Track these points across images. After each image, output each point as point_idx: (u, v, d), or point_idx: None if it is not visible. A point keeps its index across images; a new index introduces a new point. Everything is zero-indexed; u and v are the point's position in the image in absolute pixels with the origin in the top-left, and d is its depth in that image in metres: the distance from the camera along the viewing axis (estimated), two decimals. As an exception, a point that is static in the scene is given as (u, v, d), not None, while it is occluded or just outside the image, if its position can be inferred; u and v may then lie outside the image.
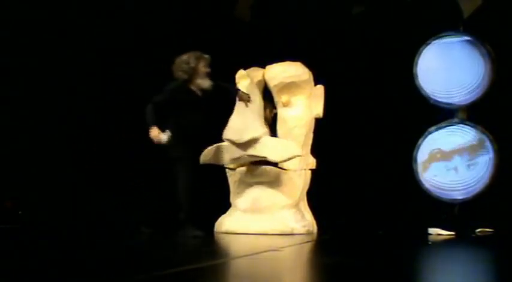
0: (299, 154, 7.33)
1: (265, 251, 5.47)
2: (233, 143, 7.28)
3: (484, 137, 8.58)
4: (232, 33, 9.21)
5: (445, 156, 8.73)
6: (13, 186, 8.71)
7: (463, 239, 7.70)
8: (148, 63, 9.13)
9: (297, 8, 9.26)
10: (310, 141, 7.68)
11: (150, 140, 8.32)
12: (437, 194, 8.76)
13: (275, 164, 7.41)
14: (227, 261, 4.92)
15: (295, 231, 7.24)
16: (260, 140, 7.25)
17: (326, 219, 7.89)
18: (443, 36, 8.87)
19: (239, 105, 7.33)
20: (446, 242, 7.27)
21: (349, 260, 4.98)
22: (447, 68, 8.83)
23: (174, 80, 6.84)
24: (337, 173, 8.83)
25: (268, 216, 7.27)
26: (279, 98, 7.65)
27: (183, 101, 6.72)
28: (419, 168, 8.80)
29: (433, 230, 8.09)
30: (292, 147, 7.34)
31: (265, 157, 7.27)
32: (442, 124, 8.84)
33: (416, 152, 8.82)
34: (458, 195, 8.72)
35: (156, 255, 5.03)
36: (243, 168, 7.46)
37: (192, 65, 6.75)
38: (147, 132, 6.78)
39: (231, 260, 5.01)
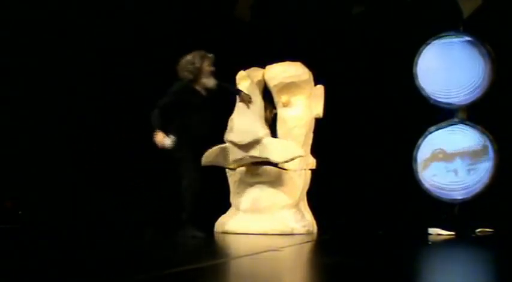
0: (301, 155, 7.33)
1: (265, 251, 5.47)
2: (235, 144, 7.28)
3: (487, 143, 8.58)
4: (232, 33, 9.21)
5: (446, 157, 8.73)
6: (13, 186, 8.71)
7: (463, 239, 7.70)
8: (148, 63, 9.13)
9: (297, 8, 9.26)
10: (310, 141, 7.68)
11: (150, 141, 8.33)
12: (437, 194, 8.76)
13: (275, 164, 7.41)
14: (227, 261, 4.92)
15: (295, 231, 7.24)
16: (262, 141, 7.25)
17: (326, 219, 7.89)
18: (443, 36, 8.87)
19: (240, 106, 7.33)
20: (446, 242, 7.27)
21: (349, 260, 4.98)
22: (447, 68, 8.83)
23: (179, 80, 6.81)
24: (337, 173, 8.83)
25: (268, 216, 7.27)
26: (279, 98, 7.65)
27: (188, 101, 6.71)
28: (420, 166, 8.80)
29: (433, 230, 8.09)
30: (294, 148, 7.34)
31: (267, 158, 7.27)
32: (442, 124, 8.84)
33: (416, 152, 8.82)
34: (458, 195, 8.72)
35: (156, 255, 5.03)
36: (243, 168, 7.46)
37: (198, 64, 6.75)
38: (150, 135, 6.77)
39: (231, 260, 5.01)
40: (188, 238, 6.38)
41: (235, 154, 7.32)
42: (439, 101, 8.82)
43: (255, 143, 7.25)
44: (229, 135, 7.31)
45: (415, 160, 8.82)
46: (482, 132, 8.64)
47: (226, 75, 7.40)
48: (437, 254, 6.13)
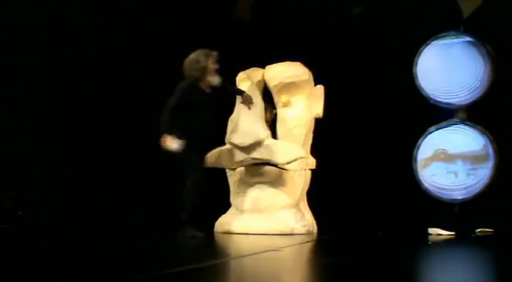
0: (303, 156, 7.34)
1: (265, 251, 5.47)
2: (236, 146, 7.28)
3: (489, 149, 8.58)
4: (232, 33, 9.21)
5: (448, 158, 8.73)
6: (13, 186, 8.71)
7: (463, 239, 7.70)
8: (148, 63, 9.13)
9: (297, 8, 9.26)
10: (310, 141, 7.68)
11: (150, 141, 8.33)
12: (437, 194, 8.77)
13: (275, 164, 7.41)
14: (227, 261, 4.92)
15: (295, 231, 7.24)
16: (263, 143, 7.26)
17: (326, 219, 7.89)
18: (443, 37, 8.87)
19: (240, 107, 7.32)
20: (446, 242, 7.27)
21: (349, 260, 4.98)
22: (447, 68, 8.83)
23: (184, 80, 6.78)
24: (337, 173, 8.83)
25: (268, 216, 7.27)
26: (279, 98, 7.65)
27: (193, 100, 6.69)
28: (420, 164, 8.79)
29: (433, 230, 8.09)
30: (295, 149, 7.34)
31: (269, 160, 7.28)
32: (442, 124, 8.84)
33: (417, 152, 8.82)
34: (458, 195, 8.72)
35: (156, 255, 5.03)
36: (243, 168, 7.46)
37: (203, 63, 6.75)
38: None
39: (231, 260, 5.01)
40: (188, 238, 6.38)
41: (236, 156, 7.32)
42: (439, 101, 8.82)
43: (257, 144, 7.26)
44: (230, 137, 7.31)
45: (415, 160, 8.82)
46: (482, 132, 8.64)
47: (226, 75, 7.40)
48: (437, 254, 6.13)
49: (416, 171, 8.82)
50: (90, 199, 8.82)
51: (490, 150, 8.57)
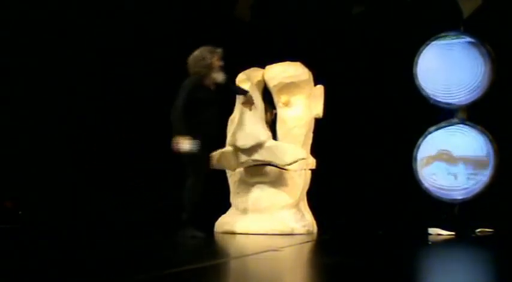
0: (304, 157, 7.35)
1: (265, 251, 5.47)
2: (237, 148, 7.28)
3: (490, 154, 8.58)
4: (232, 33, 9.21)
5: (451, 159, 8.73)
6: (13, 186, 8.71)
7: (463, 239, 7.70)
8: (148, 63, 9.13)
9: (297, 8, 9.26)
10: (310, 141, 7.68)
11: (150, 141, 8.36)
12: (437, 194, 8.77)
13: (275, 164, 7.41)
14: (227, 261, 4.92)
15: (295, 231, 7.24)
16: (264, 145, 7.27)
17: (326, 219, 7.89)
18: (443, 37, 8.87)
19: (241, 108, 7.33)
20: (446, 242, 7.27)
21: (349, 260, 4.98)
22: (447, 68, 8.83)
23: (189, 77, 6.76)
24: (337, 173, 8.83)
25: (268, 216, 7.27)
26: (279, 98, 7.65)
27: (200, 98, 6.68)
28: (421, 161, 8.79)
29: (433, 230, 8.08)
30: (296, 150, 7.34)
31: (270, 162, 7.29)
32: (442, 124, 8.84)
33: (417, 152, 8.82)
34: (458, 195, 8.73)
35: (156, 255, 5.03)
36: (243, 169, 7.46)
37: (208, 60, 6.74)
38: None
39: (231, 260, 5.01)
40: (188, 238, 6.37)
41: (237, 158, 7.32)
42: (439, 101, 8.82)
43: (258, 146, 7.26)
44: (231, 140, 7.30)
45: (415, 160, 8.82)
46: (482, 132, 8.64)
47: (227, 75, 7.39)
48: (437, 254, 6.14)
49: (416, 171, 8.82)
50: (90, 199, 8.82)
51: (491, 159, 8.57)
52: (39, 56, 8.87)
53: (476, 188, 8.64)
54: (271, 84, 7.66)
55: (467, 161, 8.68)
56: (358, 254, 5.67)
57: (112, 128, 9.09)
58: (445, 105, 8.83)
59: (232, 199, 7.55)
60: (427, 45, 8.87)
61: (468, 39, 8.78)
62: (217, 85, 6.80)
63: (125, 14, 9.23)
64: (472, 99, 8.72)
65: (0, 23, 8.72)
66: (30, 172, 8.73)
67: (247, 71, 7.65)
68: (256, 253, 5.40)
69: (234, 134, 7.31)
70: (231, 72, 7.58)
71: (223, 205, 7.62)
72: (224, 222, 7.43)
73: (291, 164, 7.30)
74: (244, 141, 7.25)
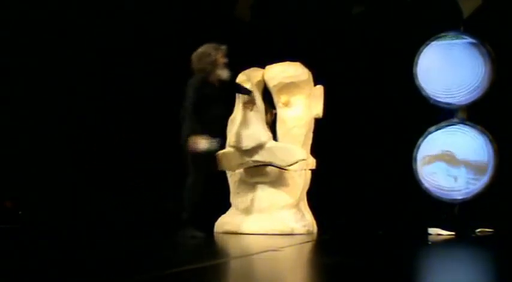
0: (304, 158, 7.35)
1: (265, 251, 5.47)
2: (238, 149, 7.28)
3: (491, 159, 8.58)
4: (232, 33, 9.21)
5: (453, 161, 8.72)
6: (13, 186, 8.71)
7: (463, 239, 7.70)
8: (148, 63, 9.13)
9: (297, 8, 9.26)
10: (309, 142, 7.68)
11: (150, 141, 8.35)
12: (437, 194, 8.77)
13: (274, 165, 7.41)
14: (227, 261, 4.92)
15: (295, 231, 7.24)
16: (265, 146, 7.27)
17: (326, 219, 7.89)
18: (443, 37, 8.86)
19: (242, 108, 7.33)
20: (446, 242, 7.27)
21: (349, 260, 4.98)
22: (447, 68, 8.82)
23: (195, 75, 6.73)
24: (337, 173, 8.82)
25: (268, 216, 7.27)
26: (279, 98, 7.65)
27: (206, 95, 6.66)
28: (423, 160, 8.78)
29: (433, 230, 8.08)
30: (297, 151, 7.34)
31: (271, 162, 7.29)
32: (442, 124, 8.84)
33: (417, 152, 8.82)
34: (458, 195, 8.72)
35: (156, 255, 5.03)
36: (243, 169, 7.45)
37: (213, 56, 6.73)
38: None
39: (231, 260, 5.01)
40: (188, 238, 6.37)
41: (238, 159, 7.31)
42: (439, 101, 8.82)
43: (258, 147, 7.26)
44: (231, 141, 7.30)
45: (415, 160, 8.82)
46: (482, 132, 8.64)
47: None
48: (437, 254, 6.14)
49: (416, 171, 8.82)
50: (90, 199, 8.82)
51: (491, 163, 8.57)
52: (39, 56, 8.87)
53: (476, 189, 8.64)
54: (271, 84, 7.65)
55: (469, 165, 8.68)
56: (358, 254, 5.67)
57: (112, 128, 9.09)
58: (445, 105, 8.83)
59: (232, 199, 7.55)
60: (427, 45, 8.86)
61: (468, 39, 8.78)
62: (221, 82, 6.78)
63: (125, 14, 9.23)
64: (472, 99, 8.72)
65: (0, 23, 8.71)
66: (30, 172, 8.73)
67: (247, 71, 7.64)
68: (256, 253, 5.40)
69: (234, 134, 7.30)
70: (231, 72, 7.58)
71: (223, 205, 7.62)
72: (224, 222, 7.43)
73: (291, 165, 7.30)
74: (245, 142, 7.25)
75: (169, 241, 6.43)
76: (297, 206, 7.47)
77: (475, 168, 8.65)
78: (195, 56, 6.78)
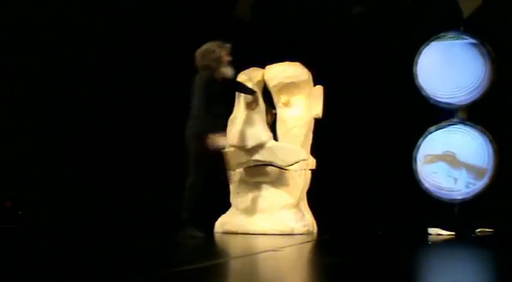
0: (305, 158, 7.36)
1: (265, 251, 5.47)
2: (238, 148, 7.29)
3: (491, 160, 8.58)
4: (232, 33, 9.20)
5: (454, 163, 8.72)
6: (13, 186, 8.71)
7: (463, 239, 7.70)
8: (148, 63, 9.13)
9: (297, 8, 9.26)
10: (309, 142, 7.68)
11: (150, 141, 8.33)
12: (437, 194, 8.77)
13: (275, 165, 7.41)
14: (227, 261, 4.92)
15: (295, 231, 7.24)
16: (265, 145, 7.27)
17: (326, 219, 7.89)
18: (443, 37, 8.87)
19: (242, 108, 7.33)
20: (446, 242, 7.27)
21: (349, 260, 4.98)
22: (447, 68, 8.83)
23: (201, 73, 6.71)
24: (337, 173, 8.83)
25: (268, 216, 7.27)
26: (279, 98, 7.65)
27: (215, 92, 6.65)
28: (424, 158, 8.77)
29: (433, 230, 8.08)
30: (297, 151, 7.35)
31: (271, 162, 7.29)
32: (442, 124, 8.84)
33: (417, 152, 8.82)
34: (458, 195, 8.73)
35: (156, 255, 5.03)
36: (243, 168, 7.46)
37: (218, 53, 6.72)
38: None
39: (231, 260, 5.01)
40: (188, 238, 6.37)
41: (238, 158, 7.31)
42: (439, 101, 8.82)
43: (259, 147, 7.27)
44: (232, 140, 7.30)
45: (415, 160, 8.82)
46: (482, 132, 8.65)
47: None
48: (437, 254, 6.13)
49: (416, 171, 8.82)
50: (90, 199, 8.82)
51: (490, 168, 8.58)
52: (39, 56, 8.87)
53: (476, 189, 8.64)
54: (271, 84, 7.65)
55: (470, 168, 8.68)
56: (358, 254, 5.67)
57: (112, 128, 9.09)
58: (445, 105, 8.83)
59: (232, 199, 7.55)
60: (427, 45, 8.87)
61: (468, 39, 8.78)
62: (225, 81, 6.77)
63: (125, 14, 9.23)
64: (472, 99, 8.72)
65: (0, 23, 8.71)
66: (30, 172, 8.73)
67: (246, 71, 7.64)
68: (256, 253, 5.40)
69: (234, 134, 7.30)
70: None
71: (223, 205, 7.62)
72: (224, 222, 7.43)
73: (292, 164, 7.31)
74: (245, 142, 7.26)
75: (169, 241, 6.43)
76: (297, 206, 7.46)
77: (475, 171, 8.66)
78: (198, 52, 6.76)
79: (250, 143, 7.24)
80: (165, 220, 7.88)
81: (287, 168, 7.36)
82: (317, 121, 7.70)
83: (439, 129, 8.83)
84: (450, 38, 8.87)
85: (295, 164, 7.36)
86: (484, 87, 8.66)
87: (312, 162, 7.70)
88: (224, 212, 7.56)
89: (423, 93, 8.83)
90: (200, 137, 6.52)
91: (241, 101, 7.41)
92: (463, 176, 8.69)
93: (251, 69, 7.70)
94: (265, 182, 7.42)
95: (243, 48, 8.82)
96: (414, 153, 8.83)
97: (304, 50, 8.52)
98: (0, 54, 8.70)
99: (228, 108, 6.99)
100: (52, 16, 8.94)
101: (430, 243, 7.14)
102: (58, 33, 8.99)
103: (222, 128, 6.73)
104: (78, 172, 8.94)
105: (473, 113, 8.78)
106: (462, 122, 8.78)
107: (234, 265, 4.65)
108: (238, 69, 7.63)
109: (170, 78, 8.98)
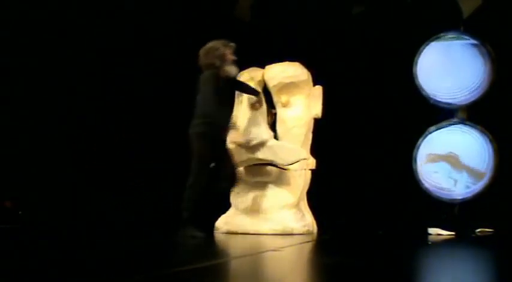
0: (305, 158, 7.36)
1: (265, 251, 5.47)
2: (240, 146, 7.29)
3: (491, 160, 8.59)
4: (232, 33, 9.20)
5: (457, 165, 8.72)
6: (13, 186, 8.71)
7: (463, 239, 7.70)
8: (148, 63, 9.13)
9: (297, 8, 9.26)
10: (309, 142, 7.68)
11: (150, 141, 8.34)
12: (437, 194, 8.77)
13: (275, 164, 7.42)
14: (227, 261, 4.91)
15: (295, 231, 7.24)
16: (267, 144, 7.29)
17: (326, 219, 7.89)
18: (443, 37, 8.87)
19: (243, 107, 7.33)
20: (446, 242, 7.27)
21: (349, 260, 4.97)
22: (447, 68, 8.83)
23: (206, 71, 6.68)
24: (337, 173, 8.83)
25: (268, 216, 7.28)
26: (279, 98, 7.65)
27: (223, 89, 6.64)
28: (427, 157, 8.77)
29: (433, 230, 8.09)
30: (298, 150, 7.36)
31: (272, 161, 7.30)
32: (442, 124, 8.84)
33: (416, 152, 8.82)
34: (458, 195, 8.73)
35: (156, 255, 5.03)
36: (244, 168, 7.46)
37: (222, 51, 6.70)
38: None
39: (231, 260, 5.01)
40: (188, 238, 6.37)
41: (239, 156, 7.32)
42: (439, 101, 8.83)
43: (260, 145, 7.28)
44: (234, 137, 7.30)
45: (415, 160, 8.82)
46: (482, 132, 8.65)
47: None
48: (437, 254, 6.13)
49: (416, 171, 8.82)
50: (90, 199, 8.82)
51: (489, 172, 8.58)
52: (39, 56, 8.87)
53: (476, 189, 8.65)
54: (270, 84, 7.66)
55: (471, 171, 8.68)
56: (358, 254, 5.67)
57: (112, 128, 9.09)
58: (445, 105, 8.84)
59: (233, 199, 7.55)
60: (427, 45, 8.87)
61: (468, 39, 8.78)
62: (229, 79, 6.75)
63: (125, 14, 9.23)
64: (472, 99, 8.73)
65: (0, 23, 8.71)
66: (30, 172, 8.73)
67: (246, 71, 7.65)
68: (256, 253, 5.40)
69: (236, 131, 7.31)
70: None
71: (223, 205, 7.62)
72: (224, 222, 7.43)
73: (292, 163, 7.32)
74: (247, 139, 7.27)
75: (169, 241, 6.43)
76: (297, 206, 7.47)
77: (476, 174, 8.66)
78: (202, 50, 6.73)
79: (252, 141, 7.25)
80: (165, 220, 7.88)
81: (287, 167, 7.36)
82: (317, 121, 7.70)
83: (439, 129, 8.83)
84: (450, 38, 8.87)
85: (296, 164, 7.37)
86: (484, 87, 8.66)
87: (312, 162, 7.70)
88: (224, 212, 7.56)
89: (423, 93, 8.84)
90: (205, 136, 6.51)
91: (243, 100, 7.42)
92: (463, 179, 8.69)
93: (250, 69, 7.71)
94: (266, 182, 7.42)
95: (243, 48, 8.85)
96: (414, 153, 8.83)
97: (304, 50, 8.52)
98: (0, 54, 8.70)
99: (233, 107, 6.99)
100: (52, 16, 8.94)
101: (430, 243, 7.14)
102: (58, 33, 8.98)
103: (228, 126, 6.73)
104: (78, 172, 8.94)
105: (473, 113, 8.79)
106: (462, 122, 8.78)
107: (234, 265, 4.64)
108: (238, 69, 7.64)
109: (170, 78, 8.99)
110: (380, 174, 8.99)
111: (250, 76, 7.56)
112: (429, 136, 8.84)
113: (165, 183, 8.66)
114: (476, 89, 8.70)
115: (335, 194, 8.84)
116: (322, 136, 7.81)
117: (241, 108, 7.39)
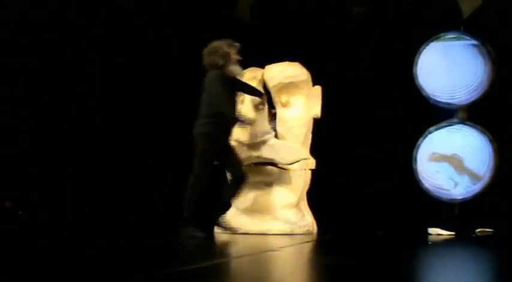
0: (306, 157, 7.36)
1: (265, 251, 5.47)
2: (241, 144, 7.29)
3: (491, 160, 8.59)
4: (232, 33, 9.20)
5: (459, 167, 8.72)
6: (13, 186, 8.71)
7: (463, 239, 7.70)
8: (148, 63, 9.13)
9: (297, 8, 9.26)
10: (309, 142, 7.68)
11: (150, 141, 8.32)
12: (437, 194, 8.77)
13: (275, 164, 7.42)
14: (227, 261, 4.91)
15: (295, 231, 7.24)
16: (268, 143, 7.30)
17: (326, 219, 7.89)
18: (443, 37, 8.87)
19: (247, 108, 7.34)
20: (446, 242, 7.27)
21: (349, 260, 4.97)
22: (447, 68, 8.83)
23: (211, 72, 6.67)
24: (337, 173, 8.83)
25: (268, 216, 7.28)
26: (278, 98, 7.65)
27: (224, 90, 6.63)
28: (430, 155, 8.77)
29: (433, 230, 8.09)
30: (298, 150, 7.36)
31: (272, 159, 7.30)
32: (442, 124, 8.84)
33: (416, 152, 8.82)
34: (458, 195, 8.72)
35: (156, 255, 5.03)
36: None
37: (225, 50, 6.69)
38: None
39: (231, 260, 5.01)
40: (188, 238, 6.37)
41: (240, 154, 7.31)
42: (439, 101, 8.82)
43: (261, 143, 7.29)
44: (235, 135, 7.30)
45: (415, 160, 8.82)
46: (483, 132, 8.64)
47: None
48: (437, 254, 6.13)
49: (416, 171, 8.82)
50: (90, 199, 8.82)
51: (488, 174, 8.60)
52: (39, 56, 8.86)
53: (476, 189, 8.64)
54: (270, 84, 7.66)
55: (472, 174, 8.68)
56: (358, 254, 5.67)
57: (112, 128, 9.08)
58: (445, 105, 8.83)
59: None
60: (427, 45, 8.87)
61: (468, 39, 8.78)
62: (233, 79, 6.74)
63: (125, 14, 9.23)
64: (472, 99, 8.72)
65: (0, 23, 8.71)
66: (30, 172, 8.73)
67: (246, 71, 7.64)
68: (256, 253, 5.40)
69: (237, 130, 7.31)
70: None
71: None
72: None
73: (292, 163, 7.32)
74: (248, 138, 7.27)
75: (169, 241, 6.43)
76: (297, 206, 7.47)
77: (477, 178, 8.66)
78: (205, 50, 6.73)
79: (253, 139, 7.26)
80: (165, 220, 7.87)
81: (287, 167, 7.36)
82: (317, 121, 7.70)
83: (439, 129, 8.83)
84: (450, 38, 8.87)
85: (296, 164, 7.37)
86: (484, 87, 8.66)
87: (312, 162, 7.71)
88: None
89: (423, 93, 8.83)
90: (209, 136, 6.51)
91: (245, 100, 7.42)
92: (464, 181, 8.68)
93: (250, 69, 7.71)
94: (266, 182, 7.42)
95: (243, 48, 8.85)
96: (414, 153, 8.83)
97: (304, 50, 8.52)
98: (0, 54, 8.70)
99: (237, 107, 7.00)
100: (52, 16, 8.94)
101: (430, 243, 7.14)
102: (58, 33, 8.98)
103: (234, 126, 6.74)
104: (78, 172, 8.94)
105: (473, 113, 8.78)
106: (462, 122, 8.78)
107: (234, 265, 4.64)
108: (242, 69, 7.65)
109: (170, 78, 8.99)
110: (380, 174, 8.98)
111: (253, 75, 7.56)
112: (429, 136, 8.83)
113: (165, 183, 8.66)
114: (476, 89, 8.70)
115: (335, 194, 8.83)
116: (322, 136, 7.81)
117: (243, 107, 7.39)
